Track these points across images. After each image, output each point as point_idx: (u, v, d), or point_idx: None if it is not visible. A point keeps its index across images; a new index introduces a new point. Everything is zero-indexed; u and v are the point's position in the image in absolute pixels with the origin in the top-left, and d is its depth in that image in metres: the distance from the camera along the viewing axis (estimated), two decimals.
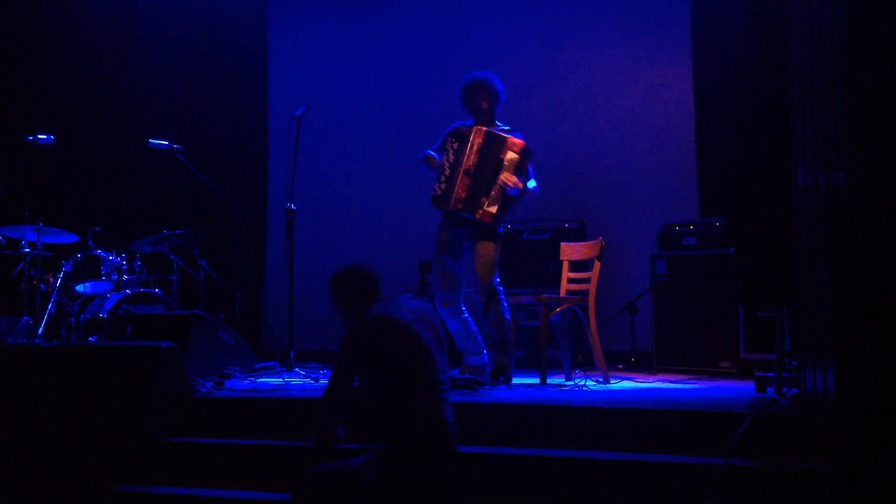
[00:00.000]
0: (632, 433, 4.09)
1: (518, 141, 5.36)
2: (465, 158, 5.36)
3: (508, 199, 5.36)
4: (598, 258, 5.58)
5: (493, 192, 5.31)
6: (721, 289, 6.19)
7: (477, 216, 5.30)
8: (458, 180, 5.35)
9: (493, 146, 5.36)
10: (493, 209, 5.30)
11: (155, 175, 8.35)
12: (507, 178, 5.29)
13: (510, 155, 5.33)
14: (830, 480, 3.39)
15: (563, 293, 5.71)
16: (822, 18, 3.62)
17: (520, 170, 5.36)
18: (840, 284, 3.21)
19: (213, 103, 8.73)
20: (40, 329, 6.53)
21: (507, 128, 5.53)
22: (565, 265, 5.83)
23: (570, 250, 5.88)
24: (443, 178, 5.41)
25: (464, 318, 5.43)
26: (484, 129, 5.40)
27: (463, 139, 5.41)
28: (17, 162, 6.76)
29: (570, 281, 5.77)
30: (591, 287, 5.53)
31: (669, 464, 3.81)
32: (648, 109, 7.65)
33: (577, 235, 6.99)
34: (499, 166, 5.32)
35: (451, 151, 5.43)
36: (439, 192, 5.41)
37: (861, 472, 3.15)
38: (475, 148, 5.36)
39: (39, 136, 6.68)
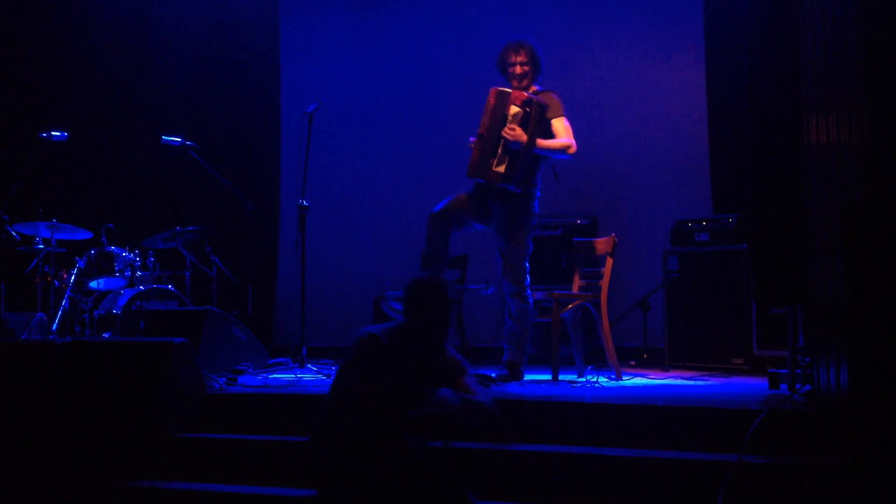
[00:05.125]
0: (644, 430, 4.08)
1: (521, 93, 5.12)
2: (481, 123, 5.20)
3: (515, 156, 5.08)
4: (611, 254, 5.56)
5: (498, 150, 5.10)
6: (734, 285, 6.17)
7: (487, 179, 5.12)
8: (475, 146, 5.20)
9: (500, 103, 5.16)
10: (501, 168, 5.07)
11: (168, 172, 8.38)
12: (507, 131, 5.05)
13: (513, 109, 5.10)
14: (844, 477, 3.38)
15: (574, 289, 5.70)
16: (835, 14, 3.61)
17: (525, 124, 5.07)
18: (853, 281, 3.20)
19: (225, 100, 8.75)
20: (54, 325, 6.57)
21: (542, 89, 5.33)
22: (577, 261, 5.82)
23: (583, 246, 5.87)
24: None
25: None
26: (496, 88, 5.21)
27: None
28: (30, 159, 6.79)
29: (583, 277, 5.76)
30: (604, 283, 5.52)
31: (682, 461, 3.80)
32: (661, 105, 7.61)
33: (589, 232, 6.97)
34: (504, 122, 5.12)
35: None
36: (468, 166, 5.24)
37: (874, 469, 3.13)
38: (488, 109, 5.18)
39: (53, 134, 6.72)
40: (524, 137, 5.06)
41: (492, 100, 5.18)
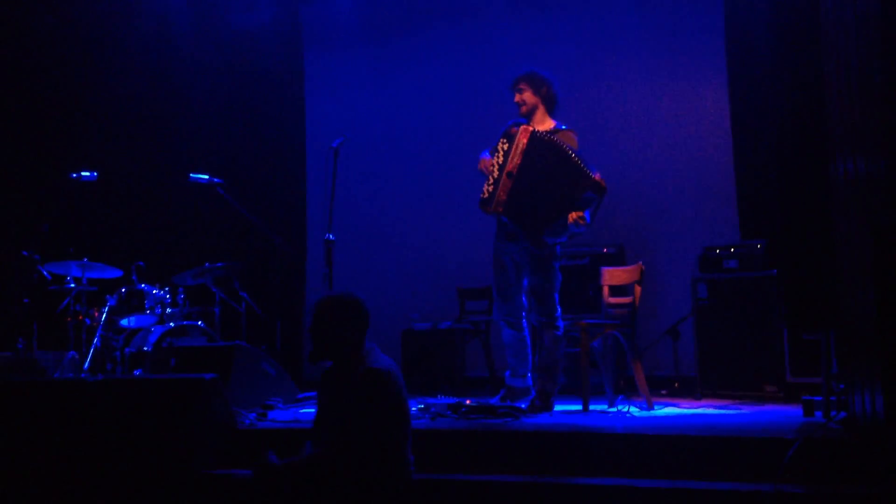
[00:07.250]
0: (677, 460, 4.04)
1: (601, 182, 5.05)
2: (510, 160, 5.18)
3: (558, 230, 5.17)
4: (639, 283, 5.53)
5: (559, 226, 5.10)
6: (765, 311, 6.10)
7: (531, 243, 5.17)
8: (501, 182, 5.19)
9: (560, 162, 5.07)
10: (551, 240, 5.17)
11: (196, 209, 8.47)
12: (580, 219, 5.03)
13: (589, 194, 5.06)
14: None
15: (603, 318, 5.66)
16: (858, 40, 3.60)
17: (595, 209, 5.14)
18: (885, 305, 3.16)
19: (251, 137, 8.86)
20: (86, 363, 6.61)
21: (563, 127, 5.37)
22: (605, 290, 5.79)
23: (610, 275, 5.84)
24: (490, 180, 5.26)
25: (522, 336, 5.40)
26: (531, 128, 5.22)
27: (511, 139, 5.24)
28: (61, 199, 6.89)
29: (611, 306, 5.73)
30: (632, 312, 5.49)
31: (717, 491, 3.75)
32: (685, 131, 7.61)
33: (617, 260, 6.94)
34: (573, 201, 5.04)
35: (501, 153, 5.26)
36: (486, 195, 5.25)
37: None
38: (520, 149, 5.17)
39: (83, 174, 6.81)
40: (588, 224, 5.09)
41: (524, 139, 5.17)
